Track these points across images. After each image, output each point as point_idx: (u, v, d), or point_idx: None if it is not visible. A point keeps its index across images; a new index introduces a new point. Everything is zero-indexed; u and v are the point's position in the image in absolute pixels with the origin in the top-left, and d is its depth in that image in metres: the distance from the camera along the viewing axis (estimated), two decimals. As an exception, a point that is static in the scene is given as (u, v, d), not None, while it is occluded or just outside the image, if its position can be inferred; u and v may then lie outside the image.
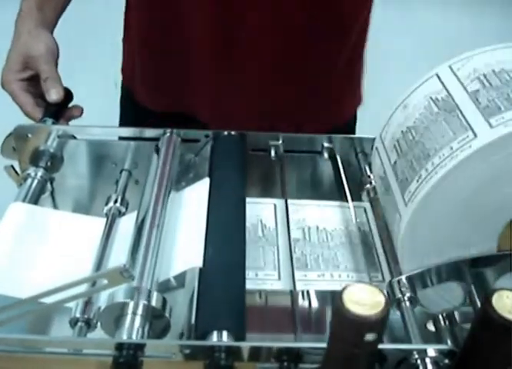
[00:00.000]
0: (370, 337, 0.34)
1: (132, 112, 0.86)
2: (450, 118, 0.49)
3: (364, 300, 0.34)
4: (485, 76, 0.50)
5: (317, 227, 0.59)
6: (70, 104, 0.72)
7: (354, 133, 0.86)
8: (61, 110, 0.69)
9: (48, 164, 0.63)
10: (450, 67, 0.53)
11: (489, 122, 0.46)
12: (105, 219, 0.58)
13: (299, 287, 0.52)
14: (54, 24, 0.75)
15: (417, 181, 0.48)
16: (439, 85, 0.53)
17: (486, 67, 0.51)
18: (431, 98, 0.52)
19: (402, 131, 0.54)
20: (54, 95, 0.68)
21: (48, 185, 0.63)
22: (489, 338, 0.37)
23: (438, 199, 0.47)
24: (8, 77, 0.70)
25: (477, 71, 0.51)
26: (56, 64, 0.71)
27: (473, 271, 0.50)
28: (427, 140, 0.50)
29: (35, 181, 0.60)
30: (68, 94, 0.71)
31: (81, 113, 0.72)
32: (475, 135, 0.46)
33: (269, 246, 0.57)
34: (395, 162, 0.53)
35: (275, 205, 0.61)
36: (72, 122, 0.72)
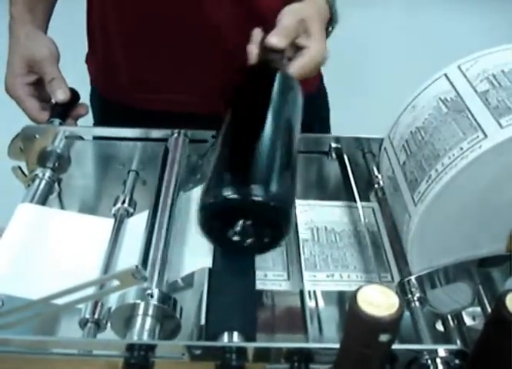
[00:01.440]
0: (384, 338, 0.34)
1: (106, 111, 0.85)
2: (460, 119, 0.49)
3: (378, 301, 0.34)
4: (494, 76, 0.50)
5: (326, 228, 0.59)
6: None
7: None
8: (67, 110, 0.69)
9: (56, 164, 0.63)
10: (459, 67, 0.53)
11: (499, 122, 0.46)
12: (113, 220, 0.58)
13: (308, 287, 0.52)
14: (46, 25, 0.76)
15: (427, 181, 0.48)
16: (448, 86, 0.53)
17: (495, 67, 0.51)
18: (440, 98, 0.52)
19: (411, 132, 0.54)
20: (60, 95, 0.68)
21: (56, 186, 0.63)
22: (502, 339, 0.36)
23: (448, 199, 0.47)
24: (14, 82, 0.70)
25: (486, 72, 0.51)
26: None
27: (481, 271, 0.50)
28: (437, 140, 0.50)
29: (43, 182, 0.60)
30: (75, 95, 0.71)
31: (87, 111, 0.72)
32: (485, 135, 0.46)
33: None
34: (404, 163, 0.53)
35: (283, 205, 0.61)
36: (79, 122, 0.72)
